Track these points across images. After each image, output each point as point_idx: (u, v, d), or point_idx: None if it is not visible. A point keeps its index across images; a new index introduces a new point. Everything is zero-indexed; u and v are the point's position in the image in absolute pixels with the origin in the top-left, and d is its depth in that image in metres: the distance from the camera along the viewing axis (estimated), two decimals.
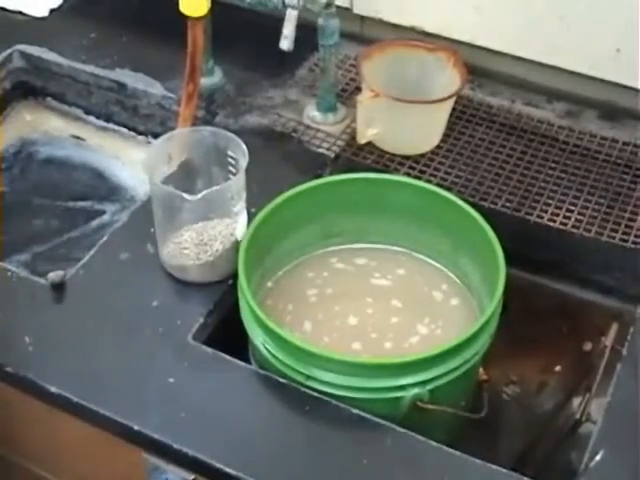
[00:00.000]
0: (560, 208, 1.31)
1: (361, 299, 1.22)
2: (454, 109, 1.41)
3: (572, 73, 1.44)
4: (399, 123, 1.35)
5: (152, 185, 1.19)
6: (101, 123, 1.58)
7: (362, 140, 1.36)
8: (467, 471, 1.02)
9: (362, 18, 1.57)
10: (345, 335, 1.18)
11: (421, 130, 1.39)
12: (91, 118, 1.58)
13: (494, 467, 1.02)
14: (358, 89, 1.47)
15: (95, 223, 1.46)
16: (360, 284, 1.24)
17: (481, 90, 1.50)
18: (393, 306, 1.21)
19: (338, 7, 1.35)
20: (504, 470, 1.02)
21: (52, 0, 1.66)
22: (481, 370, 1.17)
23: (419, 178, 1.31)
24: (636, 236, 1.28)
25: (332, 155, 1.38)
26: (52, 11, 1.65)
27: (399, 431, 1.04)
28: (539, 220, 1.30)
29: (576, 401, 1.25)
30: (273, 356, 1.08)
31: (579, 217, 1.30)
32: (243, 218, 1.20)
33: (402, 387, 1.05)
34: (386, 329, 1.19)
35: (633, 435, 1.05)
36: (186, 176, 1.23)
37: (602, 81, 1.43)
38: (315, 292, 1.23)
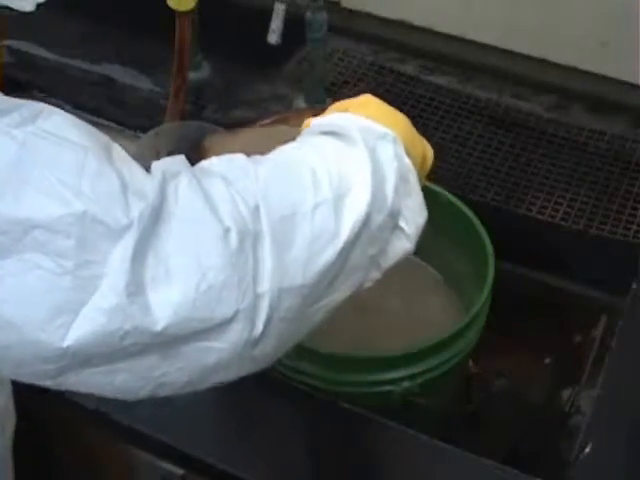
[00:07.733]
0: (549, 201, 1.32)
1: None
2: (442, 102, 1.41)
3: (559, 66, 1.44)
4: None
5: None
6: (89, 118, 1.57)
7: None
8: (457, 464, 1.02)
9: (350, 11, 1.57)
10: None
11: None
12: (79, 113, 1.58)
13: (484, 460, 1.02)
14: (346, 82, 1.47)
15: None
16: None
17: (469, 83, 1.50)
18: (380, 298, 1.21)
19: (326, 0, 1.35)
20: (494, 463, 1.02)
21: None
22: (471, 363, 1.17)
23: None
24: (625, 228, 1.28)
25: None
26: (39, 6, 1.64)
27: (389, 425, 1.04)
28: (528, 213, 1.30)
29: (565, 393, 1.25)
30: None
31: (568, 210, 1.30)
32: None
33: (392, 381, 1.05)
34: (374, 321, 1.19)
35: (622, 427, 1.05)
36: None
37: (589, 74, 1.43)
38: None
